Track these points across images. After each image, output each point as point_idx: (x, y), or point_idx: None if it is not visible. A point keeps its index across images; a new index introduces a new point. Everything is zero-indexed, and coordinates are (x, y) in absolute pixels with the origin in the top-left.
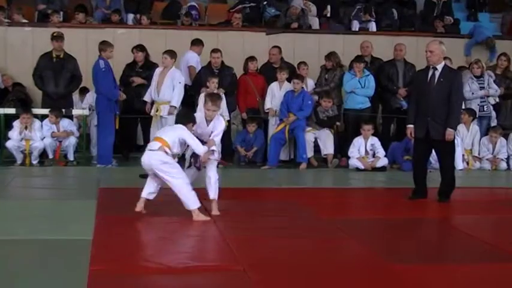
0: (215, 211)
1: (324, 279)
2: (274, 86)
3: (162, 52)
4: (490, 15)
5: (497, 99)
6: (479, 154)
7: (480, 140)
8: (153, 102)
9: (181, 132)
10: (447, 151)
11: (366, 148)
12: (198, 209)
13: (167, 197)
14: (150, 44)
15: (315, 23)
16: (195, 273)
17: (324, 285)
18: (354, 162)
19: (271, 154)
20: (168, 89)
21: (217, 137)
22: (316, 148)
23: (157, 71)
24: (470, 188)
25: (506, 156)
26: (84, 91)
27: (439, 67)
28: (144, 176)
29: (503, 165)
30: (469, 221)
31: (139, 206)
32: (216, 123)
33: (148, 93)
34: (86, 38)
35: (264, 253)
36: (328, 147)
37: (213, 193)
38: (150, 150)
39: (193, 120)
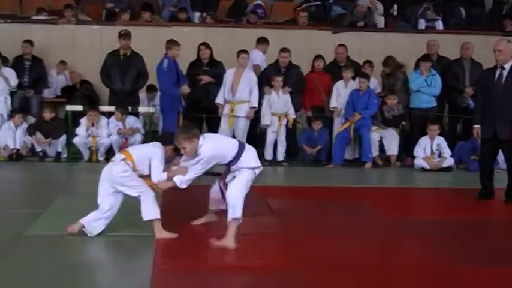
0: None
1: (387, 280)
2: (339, 84)
3: (226, 50)
4: None
5: None
6: None
7: None
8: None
9: (152, 150)
10: None
11: (431, 148)
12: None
13: None
14: (216, 42)
15: (380, 21)
16: (255, 271)
17: (386, 286)
18: (419, 162)
19: (336, 153)
20: (245, 88)
21: (195, 167)
22: (381, 147)
23: (231, 71)
24: None
25: None
26: (151, 89)
27: (507, 66)
28: (210, 174)
29: None
30: None
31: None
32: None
33: (220, 95)
34: (153, 36)
35: (326, 252)
36: (392, 147)
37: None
38: (111, 161)
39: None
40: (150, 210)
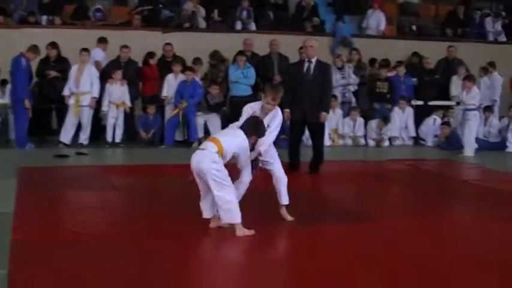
0: (288, 217)
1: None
2: (170, 77)
3: (72, 49)
4: (351, 17)
5: (356, 87)
6: (342, 132)
7: (343, 120)
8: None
9: (241, 145)
10: (320, 131)
11: None
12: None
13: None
14: (62, 42)
15: (203, 23)
16: (99, 240)
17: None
18: None
19: (168, 135)
20: (87, 81)
21: (272, 134)
22: (206, 130)
23: (75, 67)
24: (335, 161)
25: (364, 134)
26: (4, 83)
27: (314, 60)
28: (59, 156)
29: (362, 141)
30: (335, 190)
31: (214, 224)
32: (274, 115)
33: (67, 88)
34: (5, 37)
35: (163, 221)
36: (216, 129)
37: (285, 198)
38: (204, 149)
39: (259, 135)
40: (233, 213)
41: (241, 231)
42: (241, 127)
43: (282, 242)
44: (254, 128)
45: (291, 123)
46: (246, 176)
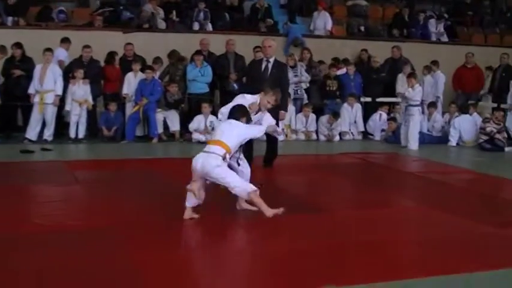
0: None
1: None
2: (130, 75)
3: (36, 48)
4: (303, 19)
5: (308, 84)
6: (295, 128)
7: (296, 116)
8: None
9: (240, 129)
10: None
11: (205, 124)
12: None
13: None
14: (27, 42)
15: (162, 24)
16: (72, 231)
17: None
18: (196, 136)
19: (129, 131)
20: (50, 80)
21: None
22: (166, 125)
23: (39, 66)
24: (288, 156)
25: (315, 129)
26: None
27: (272, 60)
28: (25, 152)
29: (314, 136)
30: (288, 182)
31: (187, 215)
32: (264, 115)
33: (31, 86)
34: None
35: (128, 211)
36: (175, 124)
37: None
38: (209, 153)
39: (247, 118)
40: (246, 186)
41: (256, 198)
42: (230, 117)
43: (239, 232)
44: (241, 113)
45: None
46: (245, 168)
